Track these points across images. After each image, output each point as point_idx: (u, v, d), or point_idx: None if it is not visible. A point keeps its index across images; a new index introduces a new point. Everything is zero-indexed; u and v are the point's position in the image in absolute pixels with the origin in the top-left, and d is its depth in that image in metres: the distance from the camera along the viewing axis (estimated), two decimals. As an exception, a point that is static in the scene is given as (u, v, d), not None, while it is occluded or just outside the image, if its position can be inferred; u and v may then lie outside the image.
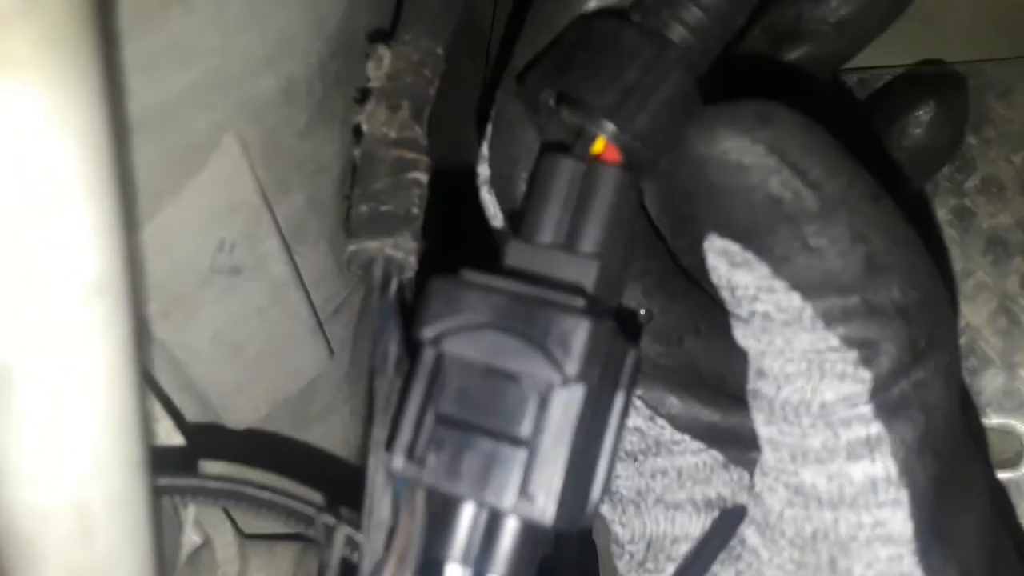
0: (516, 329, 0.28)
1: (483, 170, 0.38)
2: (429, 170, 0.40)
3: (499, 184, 0.37)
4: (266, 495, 0.35)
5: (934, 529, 0.31)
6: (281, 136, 0.42)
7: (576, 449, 0.28)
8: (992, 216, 0.53)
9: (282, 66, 0.39)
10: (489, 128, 0.38)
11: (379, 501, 0.31)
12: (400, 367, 0.33)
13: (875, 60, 0.60)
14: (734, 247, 0.31)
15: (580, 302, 0.29)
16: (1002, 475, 0.49)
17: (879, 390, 0.30)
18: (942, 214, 0.54)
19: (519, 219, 0.32)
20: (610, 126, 0.31)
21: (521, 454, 0.28)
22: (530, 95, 0.34)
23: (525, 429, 0.28)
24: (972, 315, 0.51)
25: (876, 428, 0.30)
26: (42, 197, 0.21)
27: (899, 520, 0.31)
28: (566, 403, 0.28)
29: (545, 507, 0.28)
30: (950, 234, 0.53)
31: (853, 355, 0.30)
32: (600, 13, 0.35)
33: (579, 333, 0.28)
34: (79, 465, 0.23)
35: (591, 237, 0.31)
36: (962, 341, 0.51)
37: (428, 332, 0.29)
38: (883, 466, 0.31)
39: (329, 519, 0.34)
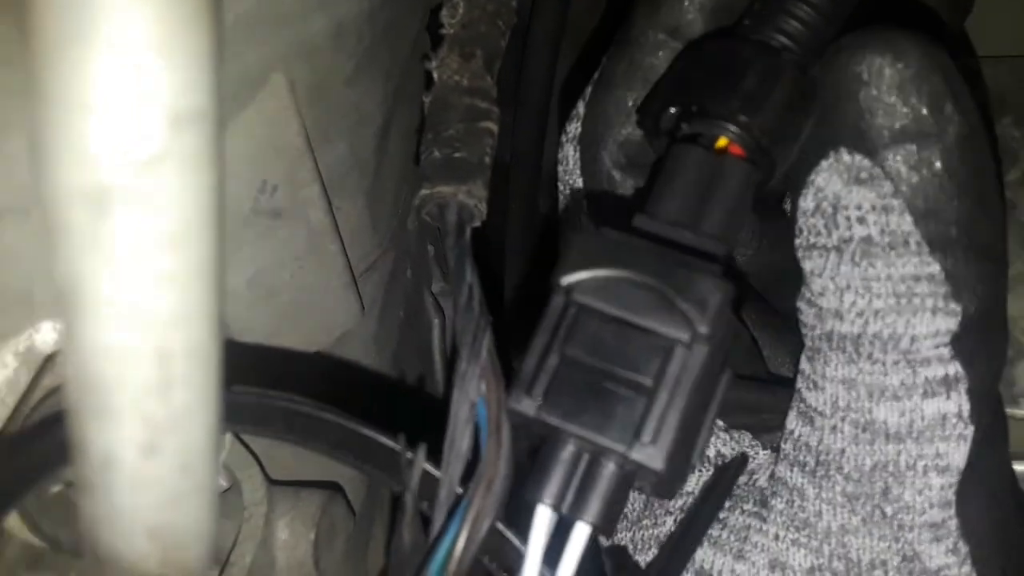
0: (652, 284, 0.29)
1: (573, 127, 0.39)
2: (499, 121, 0.41)
3: (587, 142, 0.38)
4: (349, 421, 0.34)
5: (976, 464, 0.33)
6: (328, 80, 0.42)
7: (689, 407, 0.29)
8: (1033, 208, 0.53)
9: (334, 8, 0.39)
10: (589, 88, 0.39)
11: (461, 434, 0.30)
12: (483, 308, 0.33)
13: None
14: (864, 162, 0.33)
15: (717, 267, 0.30)
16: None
17: (966, 329, 0.32)
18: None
19: (644, 196, 0.33)
20: (733, 127, 0.33)
21: (640, 402, 0.29)
22: (650, 122, 0.36)
23: (647, 379, 0.29)
24: (1011, 306, 0.51)
25: (954, 368, 0.32)
26: (147, 29, 0.21)
27: (960, 453, 0.33)
28: (691, 360, 0.29)
29: (656, 454, 0.28)
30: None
31: (945, 288, 0.32)
32: (708, 35, 0.37)
33: (716, 294, 0.29)
34: (166, 309, 0.22)
35: (716, 221, 0.32)
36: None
37: (564, 279, 0.30)
38: (956, 404, 0.32)
39: (408, 452, 0.34)
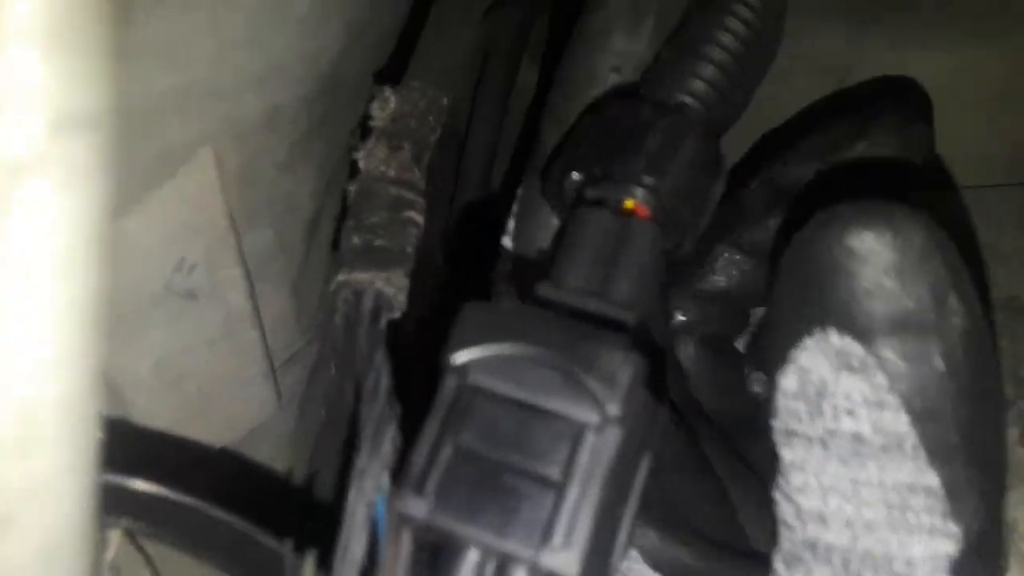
0: (555, 362, 0.26)
1: (507, 241, 0.39)
2: (424, 212, 0.40)
3: (519, 264, 0.37)
4: (235, 521, 0.31)
5: None
6: (259, 163, 0.41)
7: (605, 500, 0.25)
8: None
9: (271, 90, 0.39)
10: (515, 206, 0.39)
11: (356, 538, 0.28)
12: (391, 398, 0.31)
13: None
14: (856, 347, 0.29)
15: (626, 338, 0.27)
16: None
17: (965, 555, 0.28)
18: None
19: (548, 266, 0.31)
20: (639, 190, 0.31)
21: (548, 497, 0.25)
22: (553, 189, 0.34)
23: (554, 471, 0.25)
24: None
25: None
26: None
27: None
28: (603, 446, 0.25)
29: (570, 558, 0.24)
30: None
31: (944, 506, 0.28)
32: (609, 97, 0.36)
33: (627, 369, 0.26)
34: (30, 352, 0.19)
35: (625, 287, 0.30)
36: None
37: (457, 359, 0.26)
38: None
39: (296, 556, 0.31)
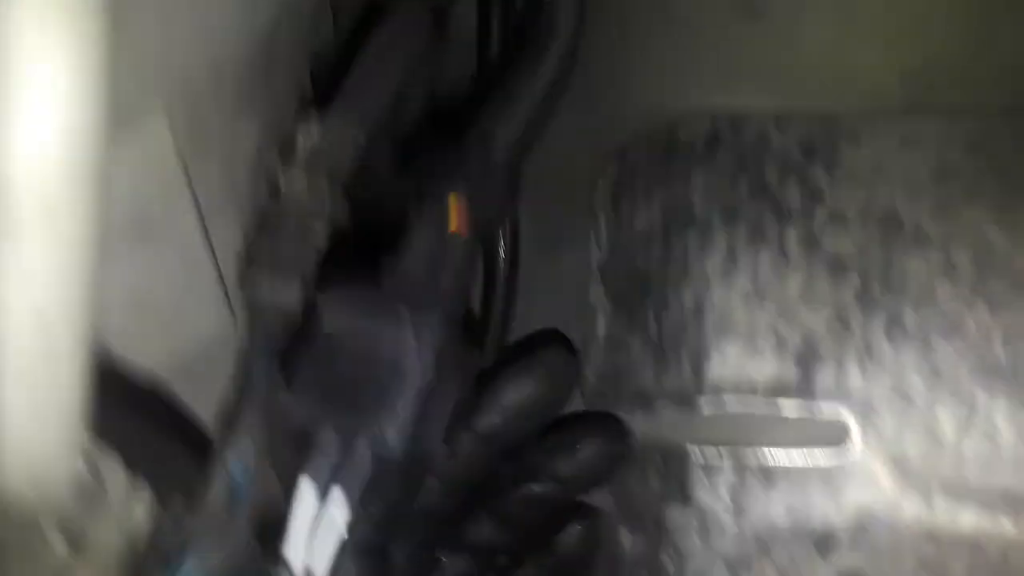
0: (386, 303, 0.40)
1: None
2: (327, 242, 0.46)
3: None
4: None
5: None
6: (206, 113, 0.46)
7: (422, 401, 0.37)
8: (835, 242, 0.60)
9: (215, 48, 0.44)
10: None
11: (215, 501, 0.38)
12: (268, 414, 0.40)
13: (740, 104, 0.68)
14: None
15: (434, 297, 0.41)
16: (828, 457, 0.56)
17: None
18: (792, 238, 0.61)
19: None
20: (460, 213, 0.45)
21: (378, 393, 0.38)
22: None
23: (384, 376, 0.38)
24: (812, 320, 0.59)
25: None
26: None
27: None
28: (419, 362, 0.38)
29: (395, 439, 0.37)
30: (798, 255, 0.61)
31: None
32: (441, 137, 0.47)
33: (435, 312, 0.39)
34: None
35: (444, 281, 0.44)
36: (801, 342, 0.58)
37: (316, 299, 0.40)
38: None
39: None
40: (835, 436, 0.56)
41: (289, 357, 0.40)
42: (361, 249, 0.46)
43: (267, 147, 0.49)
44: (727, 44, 0.69)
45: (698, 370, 0.59)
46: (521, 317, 0.81)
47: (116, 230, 0.45)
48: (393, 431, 0.37)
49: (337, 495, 0.36)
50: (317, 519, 0.35)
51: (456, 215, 0.43)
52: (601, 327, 0.69)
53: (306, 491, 0.36)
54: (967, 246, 0.58)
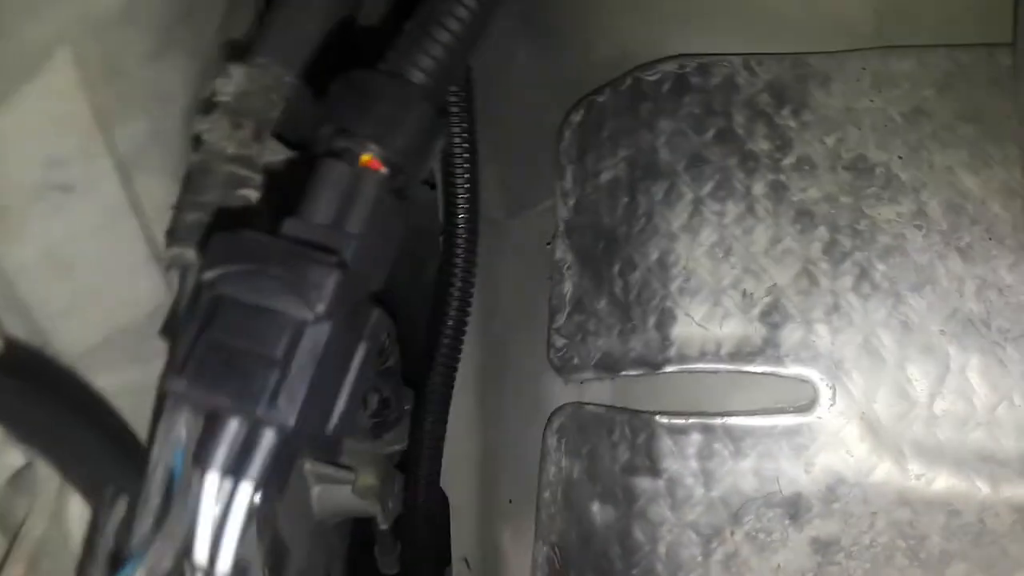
0: (279, 275, 0.35)
1: None
2: (260, 188, 0.44)
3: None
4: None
5: None
6: (122, 57, 0.42)
7: (320, 375, 0.35)
8: (803, 191, 0.58)
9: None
10: None
11: (155, 489, 0.36)
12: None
13: (709, 48, 0.65)
14: None
15: (333, 259, 0.36)
16: (797, 420, 0.54)
17: None
18: (759, 188, 0.59)
19: (296, 203, 0.39)
20: (373, 145, 0.40)
21: (274, 373, 0.34)
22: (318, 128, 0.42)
23: (279, 354, 0.35)
24: (778, 276, 0.56)
25: None
26: None
27: None
28: (315, 336, 0.35)
29: (288, 414, 0.34)
30: (765, 205, 0.58)
31: None
32: (356, 69, 0.43)
33: (329, 281, 0.35)
34: None
35: (355, 221, 0.38)
36: (768, 299, 0.56)
37: (208, 275, 0.36)
38: None
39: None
40: (803, 398, 0.54)
41: (181, 333, 0.37)
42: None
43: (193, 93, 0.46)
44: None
45: (664, 332, 0.57)
46: (488, 279, 0.79)
47: (28, 189, 0.41)
48: (291, 412, 0.34)
49: (243, 487, 0.34)
50: (223, 515, 0.34)
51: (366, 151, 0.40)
52: (568, 287, 0.66)
53: (210, 486, 0.34)
54: (939, 192, 0.56)
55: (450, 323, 0.67)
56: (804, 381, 0.54)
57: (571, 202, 0.69)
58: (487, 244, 0.80)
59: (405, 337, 0.65)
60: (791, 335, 0.55)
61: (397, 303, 0.60)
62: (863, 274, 0.55)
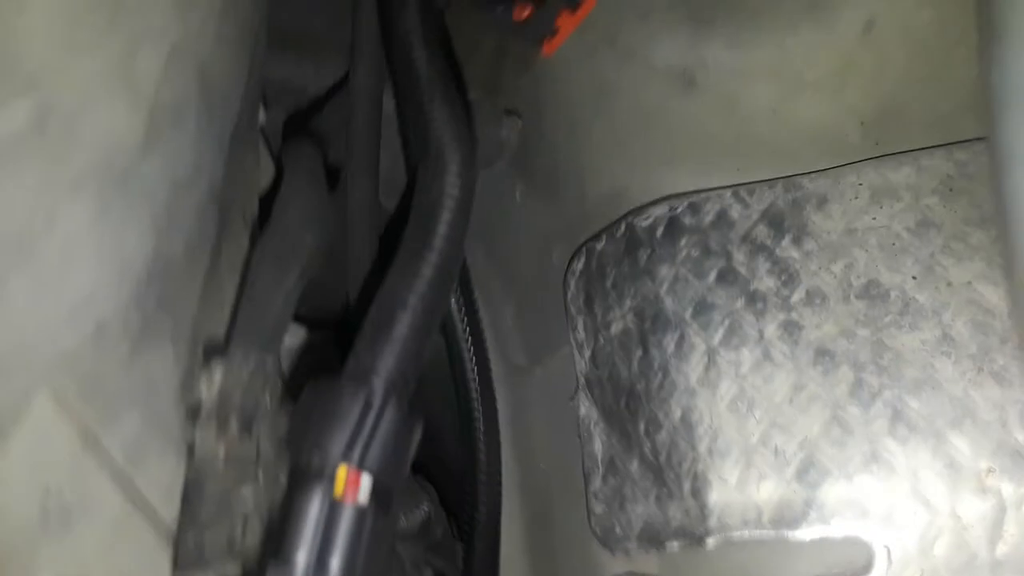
0: None
1: None
2: (259, 479, 0.45)
3: None
4: None
5: None
6: (101, 373, 0.43)
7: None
8: (818, 327, 0.56)
9: (88, 317, 0.40)
10: None
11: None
12: None
13: (688, 183, 0.64)
14: None
15: None
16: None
17: None
18: (771, 330, 0.57)
19: (276, 543, 0.41)
20: (344, 464, 0.41)
21: None
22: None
23: None
24: (808, 427, 0.54)
25: None
26: None
27: None
28: None
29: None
30: (781, 349, 0.56)
31: None
32: (317, 381, 0.44)
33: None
34: None
35: (335, 565, 0.40)
36: (801, 455, 0.53)
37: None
38: None
39: None
40: (858, 559, 0.51)
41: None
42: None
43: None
44: (667, 121, 0.65)
45: (701, 500, 0.55)
46: (520, 429, 0.78)
47: (32, 529, 0.41)
48: None
49: None
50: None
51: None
52: (598, 447, 0.64)
53: None
54: (962, 312, 0.53)
55: (483, 503, 0.67)
56: (855, 542, 0.51)
57: (587, 354, 0.67)
58: (515, 392, 0.79)
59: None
60: (832, 492, 0.52)
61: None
62: (896, 415, 0.52)
